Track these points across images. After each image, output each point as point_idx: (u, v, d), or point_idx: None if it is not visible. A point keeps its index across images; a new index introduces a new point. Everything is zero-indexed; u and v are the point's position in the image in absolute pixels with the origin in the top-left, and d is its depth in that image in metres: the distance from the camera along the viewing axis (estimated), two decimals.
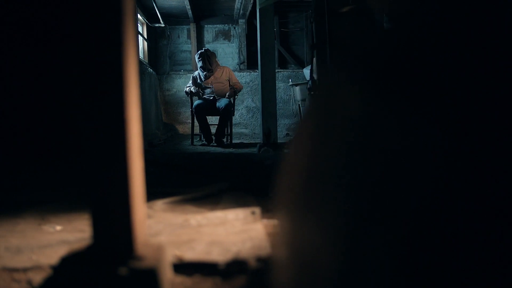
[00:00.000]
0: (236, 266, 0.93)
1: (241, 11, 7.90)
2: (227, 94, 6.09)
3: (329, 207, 0.33)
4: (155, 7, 6.85)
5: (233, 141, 6.28)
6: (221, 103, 5.97)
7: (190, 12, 7.74)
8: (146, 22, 7.86)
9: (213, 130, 6.22)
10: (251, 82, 8.54)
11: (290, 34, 8.82)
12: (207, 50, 6.16)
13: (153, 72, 7.51)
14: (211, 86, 6.11)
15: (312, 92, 3.57)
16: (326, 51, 3.45)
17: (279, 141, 5.05)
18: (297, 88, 7.45)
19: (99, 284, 0.76)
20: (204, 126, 6.06)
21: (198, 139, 6.52)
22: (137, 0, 6.85)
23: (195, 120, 6.06)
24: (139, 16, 7.17)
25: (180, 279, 0.88)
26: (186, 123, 8.24)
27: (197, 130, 6.33)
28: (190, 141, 6.29)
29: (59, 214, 1.51)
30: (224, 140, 6.10)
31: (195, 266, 0.94)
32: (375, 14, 3.67)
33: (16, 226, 1.36)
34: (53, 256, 1.02)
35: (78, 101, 0.75)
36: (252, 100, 8.59)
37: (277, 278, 0.41)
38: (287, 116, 8.40)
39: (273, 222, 1.33)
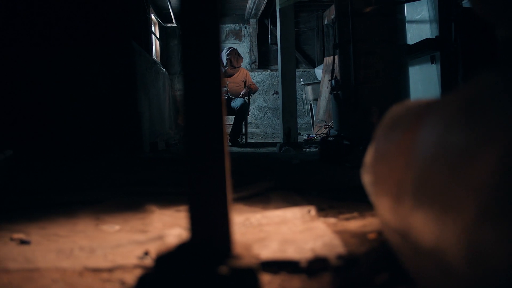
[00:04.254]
0: (318, 264, 0.93)
1: (253, 11, 7.90)
2: (241, 93, 6.12)
3: None
4: (170, 7, 6.86)
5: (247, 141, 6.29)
6: (236, 102, 5.99)
7: None
8: (159, 22, 7.88)
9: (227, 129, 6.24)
10: (262, 82, 8.55)
11: (301, 34, 8.82)
12: (236, 50, 6.26)
13: (166, 72, 7.53)
14: (226, 86, 6.14)
15: (335, 92, 3.57)
16: (349, 51, 3.45)
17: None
18: (309, 88, 7.45)
19: (200, 283, 0.77)
20: None
21: None
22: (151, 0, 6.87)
23: None
24: (152, 16, 7.18)
25: (268, 277, 0.89)
26: None
27: None
28: None
29: (112, 214, 1.52)
30: (239, 139, 6.11)
31: (276, 264, 0.95)
32: (399, 14, 3.67)
33: (75, 226, 1.38)
34: (129, 256, 1.03)
35: (188, 112, 0.79)
36: (264, 100, 8.60)
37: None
38: (298, 116, 8.40)
39: (332, 220, 1.34)
